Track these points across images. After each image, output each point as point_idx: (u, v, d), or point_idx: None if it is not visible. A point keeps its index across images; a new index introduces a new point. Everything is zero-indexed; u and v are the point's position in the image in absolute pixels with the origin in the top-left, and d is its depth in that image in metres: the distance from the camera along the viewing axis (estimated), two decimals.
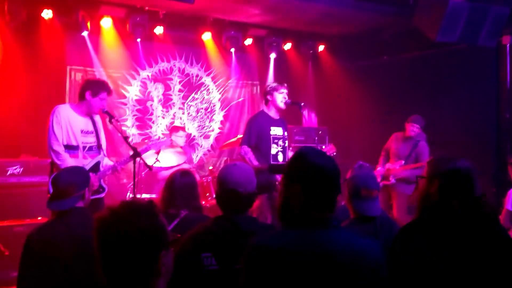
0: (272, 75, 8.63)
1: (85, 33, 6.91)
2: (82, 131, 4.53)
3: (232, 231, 2.43)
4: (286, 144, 5.32)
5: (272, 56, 8.49)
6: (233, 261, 2.37)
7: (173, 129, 7.01)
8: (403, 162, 6.17)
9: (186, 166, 6.18)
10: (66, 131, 4.45)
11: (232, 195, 2.49)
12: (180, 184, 3.40)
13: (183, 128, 7.08)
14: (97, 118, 4.73)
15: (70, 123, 4.48)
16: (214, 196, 5.99)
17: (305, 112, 5.20)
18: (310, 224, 1.86)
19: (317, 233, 1.85)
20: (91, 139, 4.58)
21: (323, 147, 5.45)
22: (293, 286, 1.78)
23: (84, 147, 4.53)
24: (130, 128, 7.72)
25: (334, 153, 5.45)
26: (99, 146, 4.63)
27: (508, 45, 6.87)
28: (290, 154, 5.47)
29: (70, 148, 4.46)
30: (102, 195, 4.63)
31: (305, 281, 1.78)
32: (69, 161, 4.38)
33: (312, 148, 2.01)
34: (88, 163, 4.49)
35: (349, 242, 1.87)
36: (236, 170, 2.55)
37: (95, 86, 4.56)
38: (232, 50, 8.13)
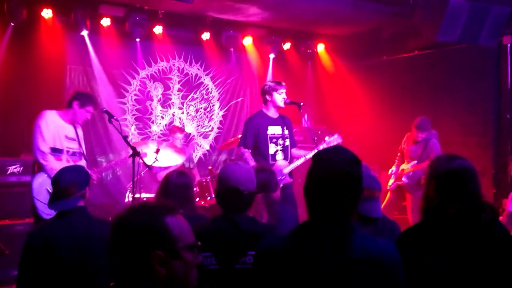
0: (271, 74, 8.60)
1: (84, 33, 6.91)
2: (66, 137, 4.74)
3: (232, 230, 2.43)
4: (287, 143, 5.28)
5: (271, 55, 8.47)
6: (233, 260, 2.37)
7: (172, 130, 7.01)
8: (416, 162, 6.19)
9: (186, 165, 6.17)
10: (53, 134, 4.64)
11: (233, 193, 2.48)
12: (175, 185, 3.39)
13: (181, 130, 7.03)
14: (79, 128, 4.93)
15: (56, 127, 4.68)
16: (213, 195, 6.00)
17: (305, 115, 5.13)
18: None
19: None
20: (74, 145, 4.80)
21: (326, 138, 5.30)
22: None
23: (67, 152, 4.74)
24: (129, 128, 7.71)
25: (340, 142, 5.28)
26: (81, 153, 4.86)
27: (508, 45, 6.84)
28: (298, 151, 5.39)
29: (55, 151, 4.65)
30: None
31: (314, 284, 1.78)
32: (54, 163, 4.54)
33: None
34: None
35: (365, 245, 1.83)
36: (238, 168, 2.55)
37: (84, 98, 4.81)
38: (231, 49, 8.13)
